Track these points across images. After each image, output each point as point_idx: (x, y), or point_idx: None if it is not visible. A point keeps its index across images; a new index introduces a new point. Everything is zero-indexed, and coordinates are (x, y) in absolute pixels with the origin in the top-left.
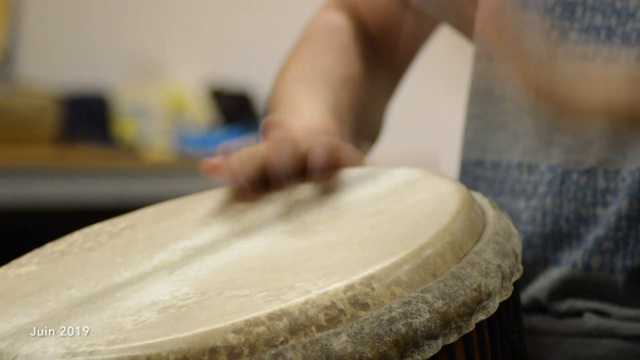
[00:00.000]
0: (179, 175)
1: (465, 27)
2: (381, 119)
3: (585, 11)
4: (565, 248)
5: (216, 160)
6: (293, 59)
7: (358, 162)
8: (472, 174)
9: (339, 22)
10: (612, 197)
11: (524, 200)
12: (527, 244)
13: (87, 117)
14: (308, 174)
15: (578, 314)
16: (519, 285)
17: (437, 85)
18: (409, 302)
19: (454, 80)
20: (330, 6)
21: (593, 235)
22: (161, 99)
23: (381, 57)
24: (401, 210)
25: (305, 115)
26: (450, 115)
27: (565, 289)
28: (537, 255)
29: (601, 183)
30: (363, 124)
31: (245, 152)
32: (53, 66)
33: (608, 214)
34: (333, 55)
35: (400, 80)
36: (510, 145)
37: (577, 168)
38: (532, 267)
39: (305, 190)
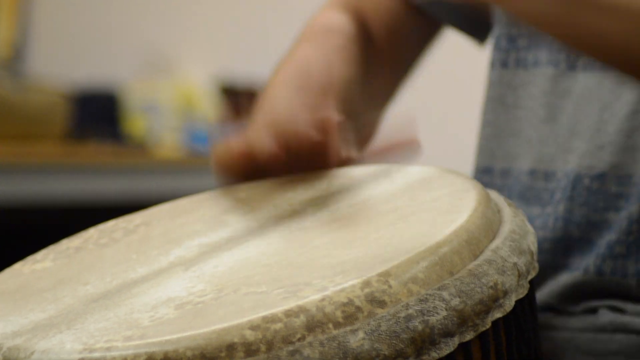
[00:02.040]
0: (189, 172)
1: (472, 30)
2: (375, 121)
3: None
4: (576, 253)
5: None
6: (286, 60)
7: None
8: (481, 181)
9: (338, 22)
10: (624, 202)
11: (539, 207)
12: (538, 248)
13: (97, 114)
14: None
15: (592, 310)
16: (534, 284)
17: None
18: (425, 300)
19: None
20: (333, 5)
21: (604, 240)
22: (171, 96)
23: (384, 59)
24: (417, 208)
25: (277, 112)
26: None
27: (578, 294)
28: (546, 260)
29: (613, 188)
30: (354, 123)
31: (221, 149)
32: (63, 63)
33: (620, 219)
34: (326, 57)
35: (403, 83)
36: (522, 152)
37: (589, 173)
38: (541, 272)
39: (320, 187)
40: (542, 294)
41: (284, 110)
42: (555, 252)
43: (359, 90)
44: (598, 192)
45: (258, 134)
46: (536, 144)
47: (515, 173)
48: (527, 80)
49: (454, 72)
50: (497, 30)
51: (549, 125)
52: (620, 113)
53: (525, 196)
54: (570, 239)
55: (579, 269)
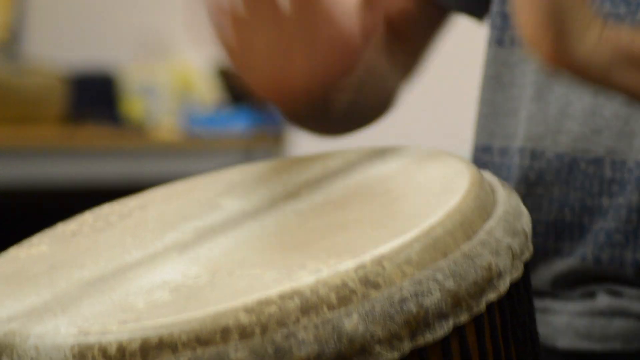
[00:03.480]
0: (186, 155)
1: (472, 7)
2: (393, 94)
3: (594, 0)
4: (567, 238)
5: None
6: None
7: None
8: (480, 159)
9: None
10: (618, 188)
11: (525, 186)
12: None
13: (94, 96)
14: None
15: (590, 294)
16: (529, 266)
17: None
18: (419, 282)
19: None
20: None
21: (602, 227)
22: (169, 78)
23: (398, 43)
24: (411, 189)
25: None
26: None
27: (574, 280)
28: (539, 243)
29: (608, 173)
30: (374, 93)
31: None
32: (60, 45)
33: (617, 206)
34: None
35: (417, 66)
36: (517, 130)
37: (585, 157)
38: (536, 255)
39: (315, 170)
40: (537, 279)
41: None
42: (546, 236)
43: (381, 55)
44: (594, 177)
45: None
46: (525, 122)
47: (511, 152)
48: (522, 58)
49: (451, 50)
50: (492, 8)
51: (537, 104)
52: (616, 97)
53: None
54: (562, 223)
55: (574, 255)
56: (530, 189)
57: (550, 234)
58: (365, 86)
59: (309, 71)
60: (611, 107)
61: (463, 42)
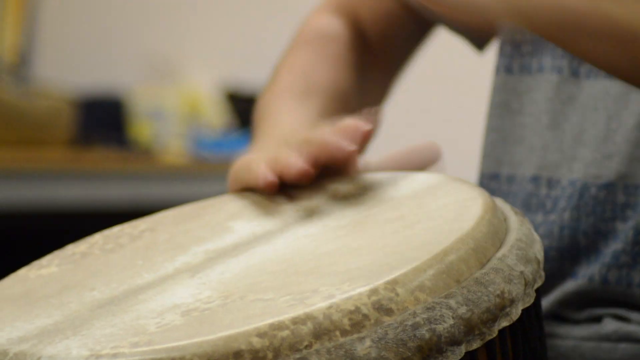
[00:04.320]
0: (194, 178)
1: (472, 36)
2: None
3: None
4: (583, 262)
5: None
6: (283, 65)
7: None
8: (488, 187)
9: (333, 28)
10: (632, 212)
11: (542, 214)
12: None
13: (102, 120)
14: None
15: (597, 319)
16: (540, 292)
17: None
18: (432, 308)
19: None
20: (325, 9)
21: (610, 249)
22: (177, 102)
23: (378, 63)
24: (423, 216)
25: (285, 127)
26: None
27: (582, 301)
28: (553, 269)
29: (620, 198)
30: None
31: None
32: (69, 68)
33: (626, 228)
34: (323, 65)
35: (394, 82)
36: (525, 159)
37: (596, 182)
38: (548, 280)
39: (327, 194)
40: (547, 301)
41: (298, 123)
42: (562, 261)
43: (355, 96)
44: (605, 202)
45: (282, 154)
46: (539, 150)
47: (519, 180)
48: (531, 86)
49: (458, 77)
50: (501, 36)
51: (553, 132)
52: (628, 123)
53: (527, 203)
54: (577, 248)
55: (582, 276)
56: (546, 217)
57: (565, 259)
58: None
59: None
60: (623, 132)
61: (469, 69)
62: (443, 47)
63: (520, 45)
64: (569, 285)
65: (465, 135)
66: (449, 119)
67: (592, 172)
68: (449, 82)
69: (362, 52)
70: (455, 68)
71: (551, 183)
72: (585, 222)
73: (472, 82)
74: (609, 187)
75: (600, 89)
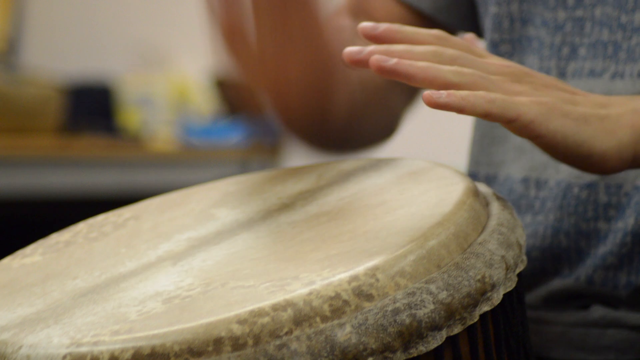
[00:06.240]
0: (182, 166)
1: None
2: (397, 118)
3: (594, 26)
4: (565, 262)
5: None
6: None
7: None
8: None
9: (350, 27)
10: (615, 212)
11: (531, 215)
12: (527, 256)
13: (91, 107)
14: None
15: (584, 307)
16: (522, 277)
17: None
18: (413, 293)
19: None
20: (341, 14)
21: (597, 250)
22: (165, 89)
23: None
24: (405, 201)
25: None
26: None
27: (567, 298)
28: (535, 268)
29: (602, 198)
30: (379, 120)
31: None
32: (57, 56)
33: (613, 230)
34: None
35: (416, 92)
36: (511, 159)
37: (579, 182)
38: (530, 279)
39: (309, 181)
40: (529, 296)
41: None
42: (543, 260)
43: (382, 89)
44: (587, 202)
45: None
46: (529, 151)
47: (501, 180)
48: None
49: None
50: (486, 36)
51: None
52: None
53: (517, 204)
54: (559, 247)
55: (568, 276)
56: (534, 217)
57: (547, 259)
58: (368, 107)
59: (303, 76)
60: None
61: None
62: None
63: (501, 44)
64: (555, 284)
65: (458, 134)
66: (442, 117)
67: (575, 172)
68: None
69: None
70: None
71: (539, 184)
72: (567, 222)
73: None
74: (591, 187)
75: (584, 88)
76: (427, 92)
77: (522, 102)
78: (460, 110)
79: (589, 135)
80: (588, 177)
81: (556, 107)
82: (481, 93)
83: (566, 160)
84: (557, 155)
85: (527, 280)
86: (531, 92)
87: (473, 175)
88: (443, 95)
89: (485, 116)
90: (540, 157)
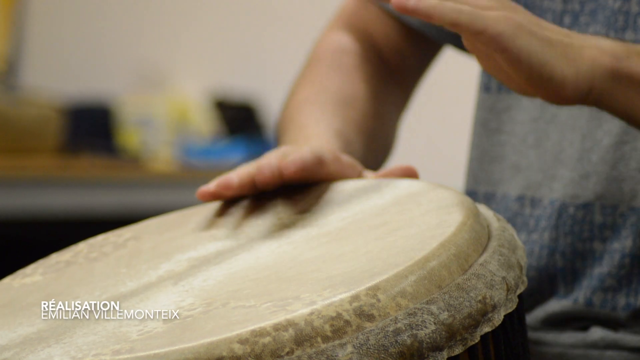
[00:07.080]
0: (182, 186)
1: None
2: (393, 134)
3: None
4: (561, 282)
5: (211, 187)
6: (301, 81)
7: (353, 174)
8: None
9: (345, 43)
10: (611, 233)
11: (526, 233)
12: None
13: (91, 127)
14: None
15: (583, 328)
16: (523, 298)
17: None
18: (414, 314)
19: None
20: (336, 27)
21: (595, 271)
22: (165, 110)
23: (392, 73)
24: (406, 222)
25: (312, 139)
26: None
27: (566, 321)
28: (532, 289)
29: (598, 218)
30: (374, 139)
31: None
32: (57, 76)
33: (609, 251)
34: (341, 77)
35: (411, 96)
36: (507, 177)
37: (574, 202)
38: (527, 300)
39: (310, 201)
40: (529, 318)
41: (321, 130)
42: (540, 280)
43: (374, 107)
44: (583, 222)
45: (267, 159)
46: (524, 170)
47: (498, 198)
48: (510, 105)
49: (449, 92)
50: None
51: (536, 151)
52: (603, 142)
53: (513, 222)
54: (554, 267)
55: (567, 298)
56: (529, 236)
57: (544, 279)
58: (372, 141)
59: None
60: (598, 152)
61: (461, 83)
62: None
63: None
64: (552, 306)
65: (456, 152)
66: (440, 136)
67: (570, 192)
68: (441, 98)
69: (377, 64)
70: (448, 83)
71: (534, 202)
72: (563, 242)
73: (463, 98)
74: (586, 207)
75: (577, 107)
76: None
77: (490, 16)
78: (428, 17)
79: (552, 57)
80: (583, 197)
81: (524, 26)
82: (450, 3)
83: (528, 81)
84: (519, 72)
85: (526, 300)
86: (501, 8)
87: (472, 193)
88: (412, 0)
89: (453, 26)
90: (535, 175)
